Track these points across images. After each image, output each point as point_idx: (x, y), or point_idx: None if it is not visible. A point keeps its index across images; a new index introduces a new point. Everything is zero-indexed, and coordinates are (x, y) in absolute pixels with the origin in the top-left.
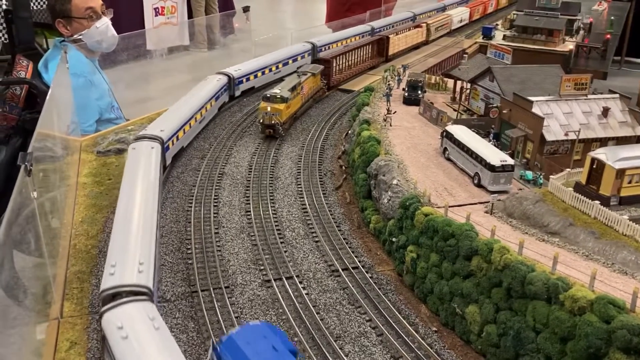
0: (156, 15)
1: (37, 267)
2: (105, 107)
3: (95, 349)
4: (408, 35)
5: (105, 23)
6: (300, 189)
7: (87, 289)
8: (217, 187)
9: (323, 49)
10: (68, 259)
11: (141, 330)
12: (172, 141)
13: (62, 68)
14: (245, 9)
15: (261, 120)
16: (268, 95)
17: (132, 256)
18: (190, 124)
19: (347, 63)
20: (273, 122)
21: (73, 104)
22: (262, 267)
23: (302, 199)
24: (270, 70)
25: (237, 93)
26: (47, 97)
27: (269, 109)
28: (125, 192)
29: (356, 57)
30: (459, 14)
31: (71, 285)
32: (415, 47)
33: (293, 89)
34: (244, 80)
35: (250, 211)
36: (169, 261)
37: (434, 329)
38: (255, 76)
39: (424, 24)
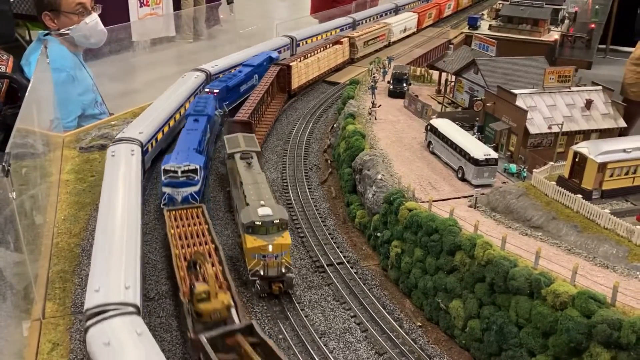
0: (141, 7)
1: (18, 266)
2: (88, 103)
3: (78, 350)
4: (321, 57)
5: (94, 19)
6: (285, 184)
7: (70, 289)
8: None
9: (302, 44)
10: (50, 258)
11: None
12: (152, 144)
13: (43, 62)
14: (229, 1)
15: (261, 273)
16: (257, 223)
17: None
18: (169, 124)
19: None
20: (282, 269)
21: (55, 99)
22: None
23: (287, 194)
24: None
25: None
26: (27, 92)
27: (270, 248)
28: (106, 205)
29: (262, 104)
30: (402, 22)
31: (53, 285)
32: (337, 70)
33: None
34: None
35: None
36: (152, 259)
37: (419, 324)
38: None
39: (346, 39)
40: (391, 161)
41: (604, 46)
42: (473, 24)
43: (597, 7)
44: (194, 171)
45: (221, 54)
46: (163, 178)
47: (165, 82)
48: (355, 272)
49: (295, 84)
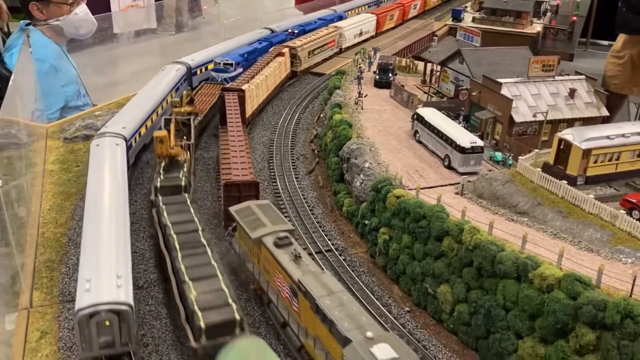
0: None
1: (5, 257)
2: (72, 95)
3: (67, 338)
4: (269, 75)
5: (84, 10)
6: (272, 174)
7: (57, 278)
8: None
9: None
10: (36, 248)
11: None
12: (135, 139)
13: (26, 52)
14: None
15: None
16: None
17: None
18: (152, 118)
19: None
20: None
21: (37, 89)
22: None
23: (274, 184)
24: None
25: (195, 84)
26: (10, 83)
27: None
28: (92, 200)
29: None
30: (357, 25)
31: (40, 274)
32: (280, 89)
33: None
34: (202, 69)
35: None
36: (140, 248)
37: (407, 309)
38: (206, 68)
39: (287, 49)
40: (378, 150)
41: (585, 39)
42: (457, 16)
43: (578, 0)
44: (230, 64)
45: (205, 45)
46: (213, 65)
47: (148, 74)
48: (343, 260)
49: (249, 110)
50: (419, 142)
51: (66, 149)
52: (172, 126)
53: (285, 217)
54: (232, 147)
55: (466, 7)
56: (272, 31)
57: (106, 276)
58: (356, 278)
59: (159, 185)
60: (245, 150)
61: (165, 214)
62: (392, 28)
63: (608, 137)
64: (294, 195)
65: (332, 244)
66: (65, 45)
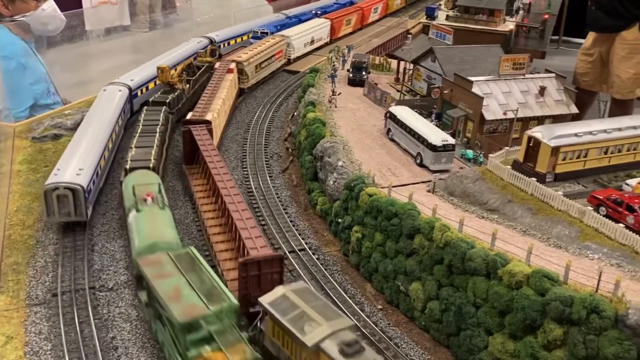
0: None
1: None
2: (41, 93)
3: (34, 343)
4: (226, 98)
5: (51, 5)
6: (246, 173)
7: (24, 281)
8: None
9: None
10: (2, 250)
11: None
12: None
13: None
14: None
15: None
16: None
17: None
18: (100, 164)
19: None
20: None
21: (3, 88)
22: (207, 254)
23: (247, 183)
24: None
25: (136, 107)
26: None
27: None
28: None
29: None
30: (308, 33)
31: (6, 277)
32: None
33: None
34: (143, 90)
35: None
36: (110, 249)
37: (379, 307)
38: (147, 88)
39: (234, 64)
40: (352, 148)
41: (556, 37)
42: (431, 14)
43: None
44: (266, 33)
45: (178, 42)
46: (252, 34)
47: (120, 72)
48: (317, 259)
49: (216, 141)
50: (392, 140)
51: (34, 148)
52: (183, 65)
53: (259, 216)
54: (231, 206)
55: (440, 5)
56: (212, 40)
57: (71, 167)
58: (329, 277)
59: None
60: (247, 209)
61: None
62: (350, 33)
63: (576, 135)
64: (268, 194)
65: (306, 243)
66: (33, 42)
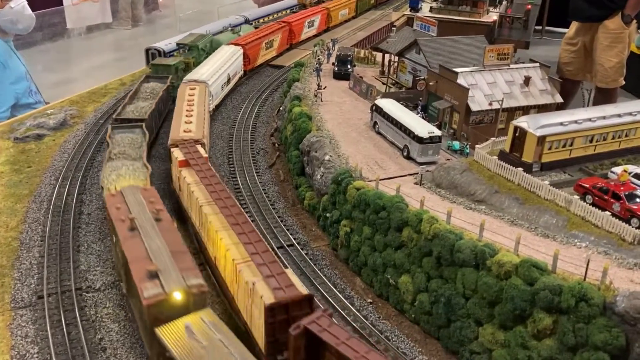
0: None
1: None
2: (22, 92)
3: (20, 346)
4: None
5: (21, 3)
6: (232, 169)
7: (8, 284)
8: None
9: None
10: None
11: None
12: None
13: None
14: None
15: None
16: None
17: None
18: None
19: None
20: None
21: None
22: (195, 251)
23: (234, 179)
24: None
25: None
26: None
27: None
28: None
29: None
30: (223, 71)
31: None
32: None
33: None
34: None
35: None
36: (96, 250)
37: (369, 300)
38: None
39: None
40: (338, 142)
41: (540, 27)
42: (414, 6)
43: None
44: None
45: (161, 38)
46: None
47: (104, 70)
48: (305, 254)
49: None
50: (379, 133)
51: (17, 149)
52: None
53: (246, 212)
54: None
55: None
56: (157, 51)
57: None
58: (319, 272)
59: None
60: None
61: None
62: (275, 57)
63: (562, 124)
64: (255, 190)
65: (294, 238)
66: (12, 41)
